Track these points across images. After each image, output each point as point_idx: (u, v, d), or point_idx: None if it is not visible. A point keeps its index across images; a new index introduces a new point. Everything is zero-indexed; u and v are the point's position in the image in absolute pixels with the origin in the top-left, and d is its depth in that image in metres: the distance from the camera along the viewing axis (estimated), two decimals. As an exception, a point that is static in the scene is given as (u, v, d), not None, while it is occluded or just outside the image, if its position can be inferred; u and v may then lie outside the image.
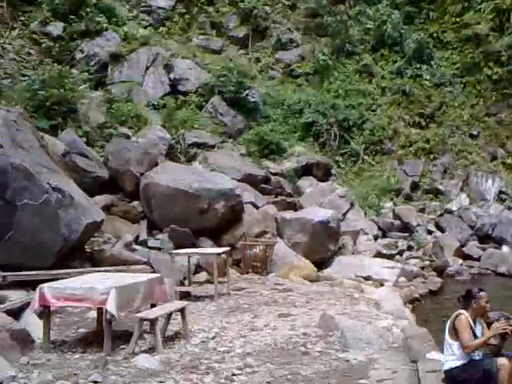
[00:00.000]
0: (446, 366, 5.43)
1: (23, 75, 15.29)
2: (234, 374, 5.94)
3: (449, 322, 5.53)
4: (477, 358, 5.38)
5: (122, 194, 13.64)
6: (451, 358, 5.39)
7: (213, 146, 17.41)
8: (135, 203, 13.46)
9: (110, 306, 6.48)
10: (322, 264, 13.50)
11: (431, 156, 21.12)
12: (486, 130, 22.11)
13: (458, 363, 5.33)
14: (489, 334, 5.34)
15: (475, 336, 5.38)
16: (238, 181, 14.88)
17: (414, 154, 21.13)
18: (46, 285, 6.84)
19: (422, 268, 14.86)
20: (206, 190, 13.02)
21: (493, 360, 5.27)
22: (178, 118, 17.66)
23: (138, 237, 12.48)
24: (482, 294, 5.48)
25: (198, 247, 11.90)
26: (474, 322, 5.46)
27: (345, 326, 7.40)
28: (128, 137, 15.43)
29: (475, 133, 21.95)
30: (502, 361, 5.22)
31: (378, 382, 5.72)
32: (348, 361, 6.51)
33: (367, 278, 12.72)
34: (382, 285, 12.20)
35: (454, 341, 5.39)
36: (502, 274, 15.27)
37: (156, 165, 14.13)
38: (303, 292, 10.52)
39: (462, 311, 5.45)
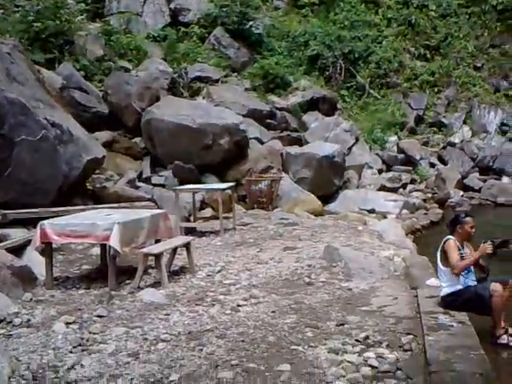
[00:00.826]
0: (443, 292, 5.47)
1: (16, 6, 14.44)
2: (239, 305, 5.87)
3: (439, 248, 5.56)
4: (470, 283, 5.41)
5: (123, 130, 13.31)
6: (446, 284, 5.44)
7: (216, 80, 16.90)
8: (137, 139, 13.16)
9: (114, 242, 6.33)
10: (327, 198, 13.36)
11: (436, 89, 20.65)
12: (490, 62, 21.54)
13: (453, 289, 5.37)
14: (476, 255, 5.36)
15: (463, 260, 5.38)
16: (243, 116, 14.50)
17: (418, 87, 20.62)
18: (46, 221, 6.65)
19: (425, 200, 14.80)
20: (211, 125, 12.69)
21: (486, 285, 5.28)
22: (179, 51, 17.06)
23: (141, 174, 12.27)
24: (467, 219, 5.50)
25: (202, 183, 11.71)
26: (462, 247, 5.48)
27: (348, 256, 7.38)
28: (128, 70, 14.91)
29: (479, 65, 21.39)
30: (496, 286, 5.22)
31: (379, 308, 5.71)
32: (351, 289, 6.47)
33: (371, 211, 12.60)
34: (385, 217, 12.10)
35: (445, 267, 5.43)
36: (501, 204, 15.41)
37: (158, 99, 13.72)
38: (308, 226, 10.39)
39: (450, 236, 5.49)
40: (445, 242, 5.48)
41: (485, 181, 16.80)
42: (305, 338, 4.94)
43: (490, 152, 18.06)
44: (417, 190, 15.65)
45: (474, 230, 5.54)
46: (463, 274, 5.41)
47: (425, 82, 20.61)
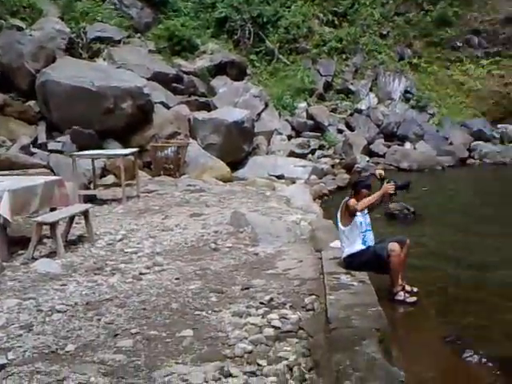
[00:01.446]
0: (344, 254, 5.65)
1: None
2: (141, 273, 5.75)
3: (339, 209, 5.72)
4: (369, 243, 5.65)
5: (15, 93, 12.51)
6: (346, 244, 5.62)
7: (118, 41, 16.26)
8: (31, 103, 12.41)
9: (3, 210, 6.00)
10: (236, 164, 13.38)
11: (343, 56, 21.16)
12: (395, 30, 22.35)
13: (353, 250, 5.55)
14: (379, 193, 5.52)
15: (359, 225, 5.59)
16: (147, 79, 14.07)
17: (327, 54, 21.02)
18: None
19: (332, 166, 15.26)
20: (111, 88, 12.22)
21: (384, 245, 5.52)
22: (77, 10, 16.22)
23: (36, 139, 11.63)
24: (363, 191, 5.61)
25: (104, 149, 11.29)
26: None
27: (255, 222, 7.44)
28: (21, 29, 13.97)
29: (385, 32, 22.15)
30: (394, 246, 5.48)
31: (284, 271, 5.81)
32: (257, 254, 6.52)
33: (280, 177, 12.79)
34: (293, 183, 12.33)
35: (345, 227, 5.60)
36: (403, 169, 16.30)
37: (54, 60, 13.00)
38: (216, 192, 10.37)
39: (349, 198, 5.64)
40: (345, 202, 5.65)
41: (389, 146, 17.64)
42: (209, 303, 4.94)
43: (394, 119, 18.94)
44: (325, 156, 16.10)
45: None
46: (362, 232, 5.61)
47: (333, 48, 21.02)
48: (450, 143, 18.71)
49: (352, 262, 5.54)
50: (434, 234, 8.78)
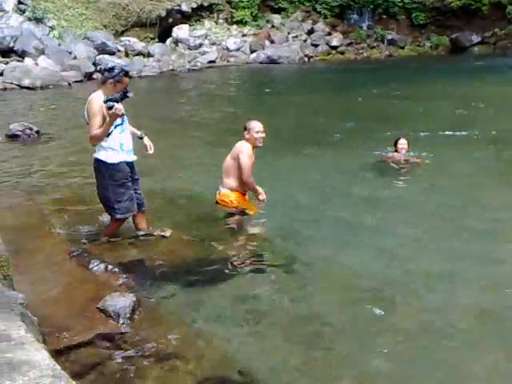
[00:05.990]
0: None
1: None
2: None
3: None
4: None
5: None
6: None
7: None
8: None
9: None
10: None
11: None
12: None
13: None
14: (110, 121, 4.90)
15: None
16: None
17: None
18: None
19: None
20: None
21: None
22: None
23: None
24: (125, 79, 5.00)
25: None
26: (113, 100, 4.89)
27: None
28: None
29: None
30: None
31: None
32: None
33: None
34: None
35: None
36: (27, 87, 15.84)
37: None
38: None
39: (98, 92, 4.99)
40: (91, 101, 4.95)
41: (7, 63, 16.67)
42: None
43: (9, 32, 17.84)
44: None
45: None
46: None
47: None
48: (74, 57, 18.68)
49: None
50: (56, 153, 8.91)
